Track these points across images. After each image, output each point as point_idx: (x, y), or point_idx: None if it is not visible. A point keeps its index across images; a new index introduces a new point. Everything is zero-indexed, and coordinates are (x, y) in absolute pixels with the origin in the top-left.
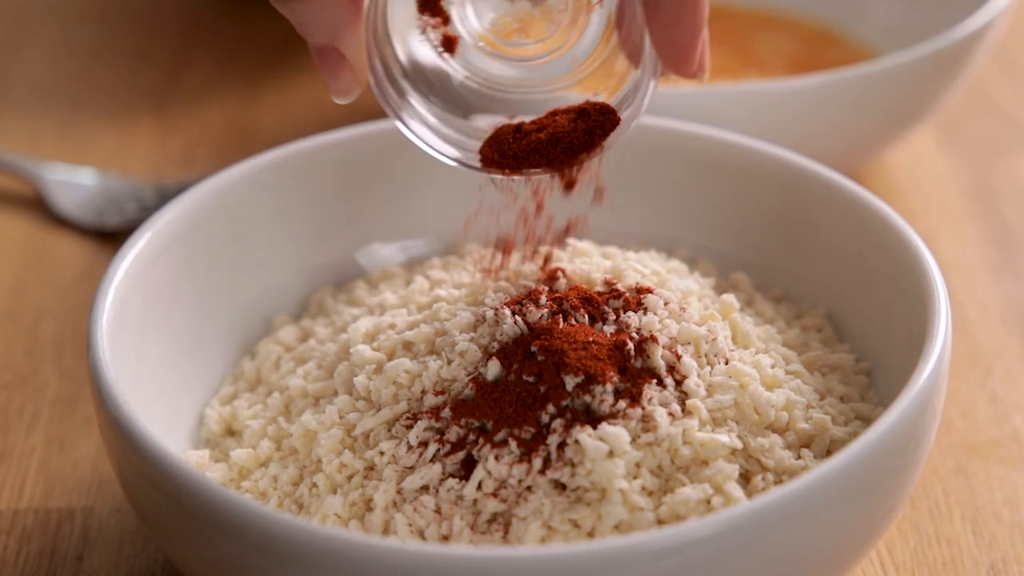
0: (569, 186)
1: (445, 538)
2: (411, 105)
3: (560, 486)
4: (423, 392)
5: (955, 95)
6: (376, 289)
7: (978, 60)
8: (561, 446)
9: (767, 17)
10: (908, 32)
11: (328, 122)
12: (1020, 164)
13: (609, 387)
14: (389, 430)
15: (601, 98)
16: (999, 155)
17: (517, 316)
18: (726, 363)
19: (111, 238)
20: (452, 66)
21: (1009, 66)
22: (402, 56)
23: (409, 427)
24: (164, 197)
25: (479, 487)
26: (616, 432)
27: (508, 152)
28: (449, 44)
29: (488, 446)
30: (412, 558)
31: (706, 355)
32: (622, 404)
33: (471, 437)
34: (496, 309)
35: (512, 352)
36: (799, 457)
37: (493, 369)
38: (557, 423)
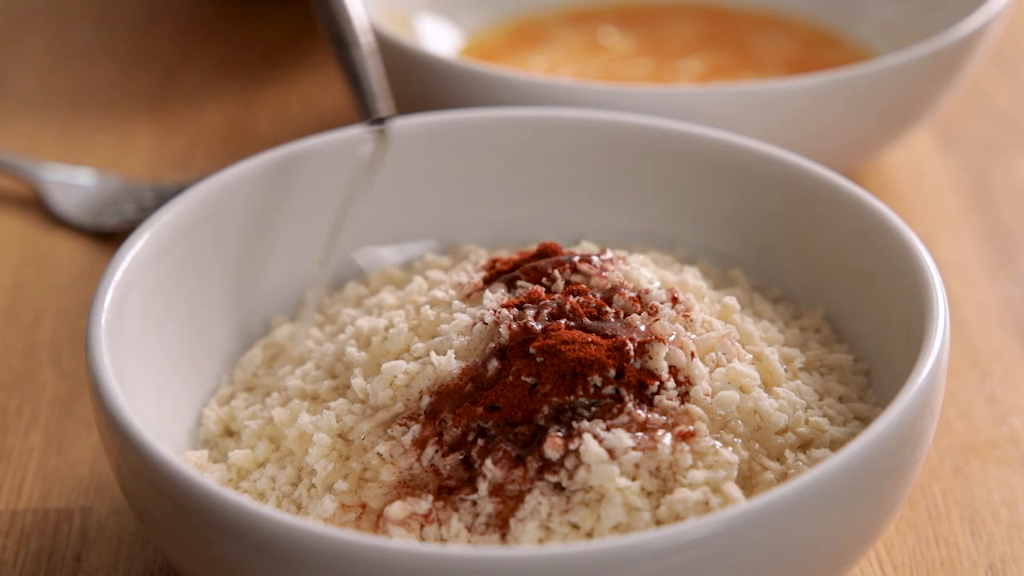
0: None
1: (443, 539)
2: None
3: (558, 487)
4: (420, 393)
5: (953, 96)
6: (374, 290)
7: (976, 61)
8: (559, 447)
9: (765, 17)
10: (906, 33)
11: (326, 123)
12: (1018, 165)
13: (608, 388)
14: (386, 432)
15: None
16: (997, 156)
17: (516, 318)
18: (728, 363)
19: (109, 239)
20: None
21: (1007, 67)
22: None
23: (406, 428)
24: (162, 198)
25: (477, 488)
26: (615, 433)
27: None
28: None
29: (486, 447)
30: (410, 558)
31: (706, 356)
32: (621, 405)
33: (469, 438)
34: (495, 310)
35: (511, 353)
36: (797, 457)
37: (492, 370)
38: (556, 425)
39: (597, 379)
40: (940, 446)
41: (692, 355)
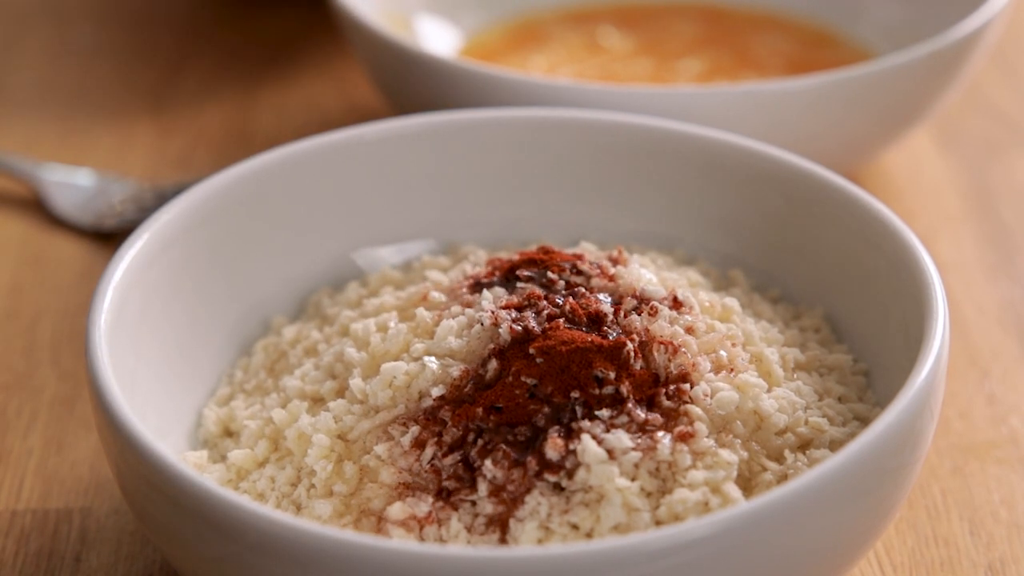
0: None
1: (443, 539)
2: None
3: (558, 488)
4: (420, 394)
5: (952, 96)
6: (374, 290)
7: (975, 61)
8: (560, 448)
9: (765, 18)
10: (906, 33)
11: (326, 123)
12: (1017, 165)
13: (608, 389)
14: (386, 432)
15: None
16: (996, 156)
17: (516, 319)
18: (727, 364)
19: (109, 239)
20: None
21: (1006, 67)
22: None
23: (406, 429)
24: (162, 198)
25: (476, 489)
26: (615, 434)
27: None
28: None
29: (486, 448)
30: (410, 559)
31: (706, 356)
32: (621, 406)
33: (469, 439)
34: (494, 311)
35: (510, 354)
36: (797, 458)
37: (491, 371)
38: (555, 425)
39: (597, 380)
40: (939, 446)
41: (692, 356)
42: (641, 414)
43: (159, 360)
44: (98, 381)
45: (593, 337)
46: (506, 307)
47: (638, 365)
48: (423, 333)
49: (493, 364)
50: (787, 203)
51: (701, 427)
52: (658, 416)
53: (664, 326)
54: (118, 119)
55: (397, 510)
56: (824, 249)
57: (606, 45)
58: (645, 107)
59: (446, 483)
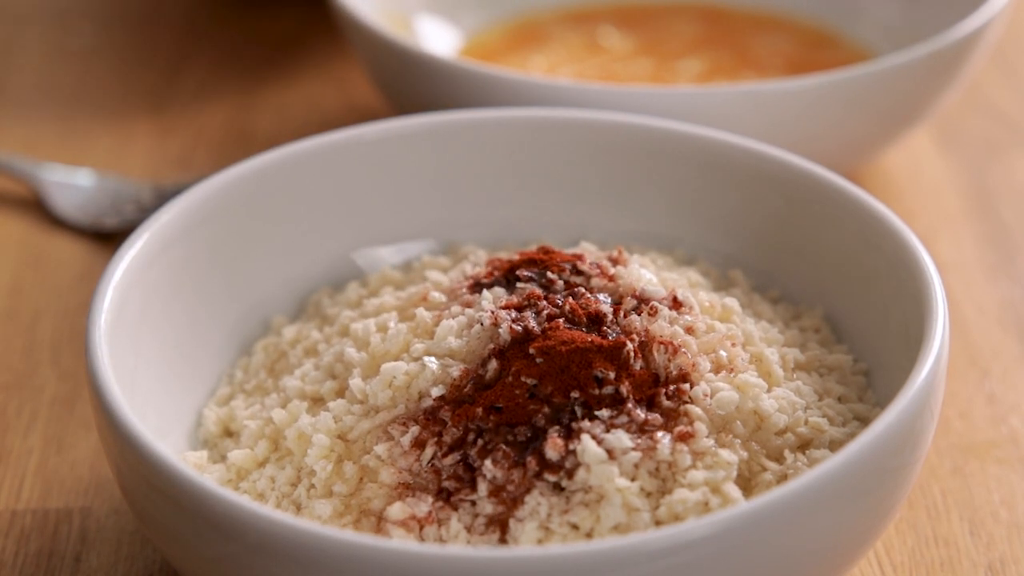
0: None
1: (442, 539)
2: None
3: (558, 488)
4: (420, 394)
5: (953, 96)
6: (374, 291)
7: (976, 61)
8: (560, 448)
9: (765, 18)
10: (906, 33)
11: (326, 123)
12: (1017, 164)
13: (608, 389)
14: (386, 432)
15: None
16: (996, 156)
17: (515, 319)
18: (727, 364)
19: (109, 239)
20: None
21: (1006, 67)
22: None
23: (406, 429)
24: (162, 198)
25: (476, 489)
26: (615, 434)
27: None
28: None
29: (485, 448)
30: (410, 559)
31: (706, 356)
32: (621, 406)
33: (469, 439)
34: (494, 311)
35: (510, 354)
36: (797, 458)
37: (491, 371)
38: (555, 425)
39: (596, 380)
40: (940, 446)
41: (692, 356)
42: (641, 414)
43: (159, 360)
44: (98, 381)
45: (593, 337)
46: (506, 307)
47: (638, 365)
48: (423, 333)
49: (493, 364)
50: (787, 203)
51: (701, 427)
52: (658, 416)
53: (664, 326)
54: (118, 119)
55: (397, 510)
56: (824, 249)
57: (606, 45)
58: (645, 107)
59: (446, 483)
